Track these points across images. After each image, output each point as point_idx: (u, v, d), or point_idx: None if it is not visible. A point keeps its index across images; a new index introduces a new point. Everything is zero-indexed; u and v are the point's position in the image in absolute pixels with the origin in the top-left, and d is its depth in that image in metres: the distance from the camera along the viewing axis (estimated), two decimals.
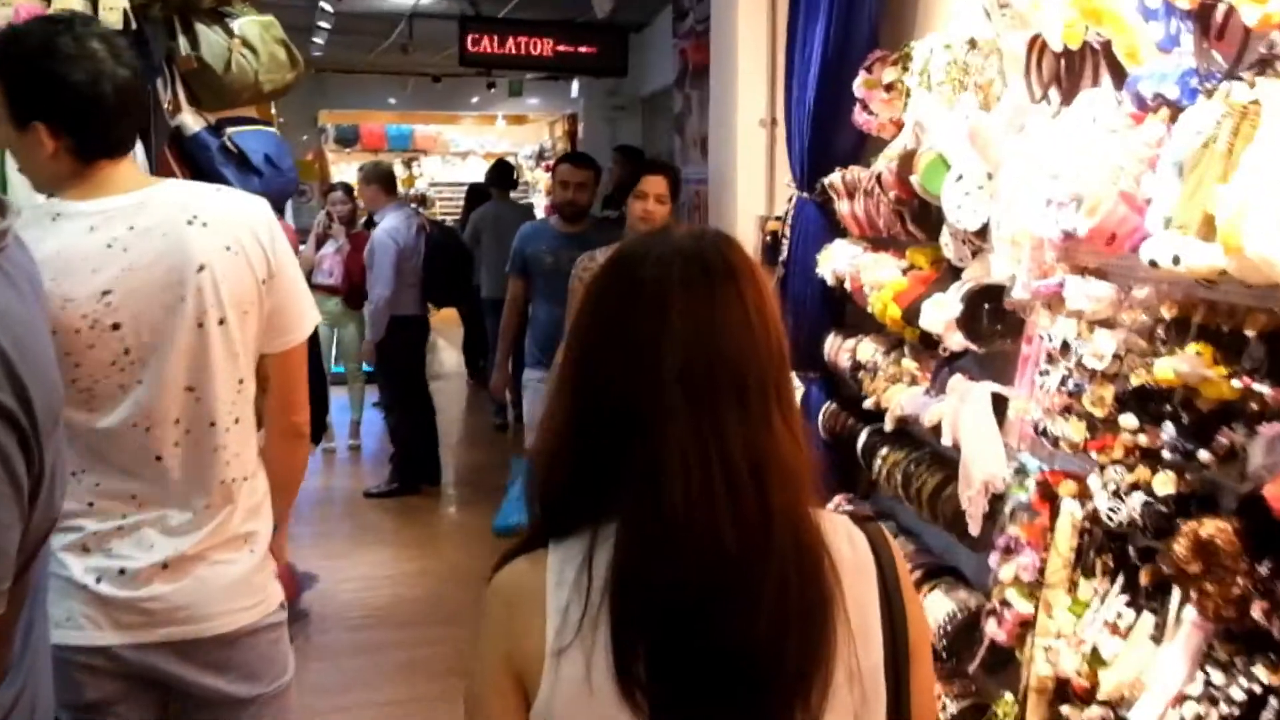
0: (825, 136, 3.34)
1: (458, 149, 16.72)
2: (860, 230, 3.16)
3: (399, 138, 15.95)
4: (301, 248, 7.62)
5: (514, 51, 7.77)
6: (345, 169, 13.62)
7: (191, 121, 2.48)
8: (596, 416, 1.02)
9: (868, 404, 2.90)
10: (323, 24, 8.38)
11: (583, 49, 8.06)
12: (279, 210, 2.98)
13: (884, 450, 2.96)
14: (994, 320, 2.37)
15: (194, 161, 2.48)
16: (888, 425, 2.76)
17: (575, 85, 11.67)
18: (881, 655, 1.02)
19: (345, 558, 5.66)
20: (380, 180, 6.24)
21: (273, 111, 12.84)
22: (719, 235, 1.08)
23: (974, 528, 2.40)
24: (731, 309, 1.00)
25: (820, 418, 3.37)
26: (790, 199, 3.61)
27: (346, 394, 7.31)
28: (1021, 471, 2.33)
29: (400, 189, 15.99)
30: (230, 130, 2.53)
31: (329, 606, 5.07)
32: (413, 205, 7.59)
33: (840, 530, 1.06)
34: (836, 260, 3.22)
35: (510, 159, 16.94)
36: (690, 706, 0.96)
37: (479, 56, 7.74)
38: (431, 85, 13.43)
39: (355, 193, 6.38)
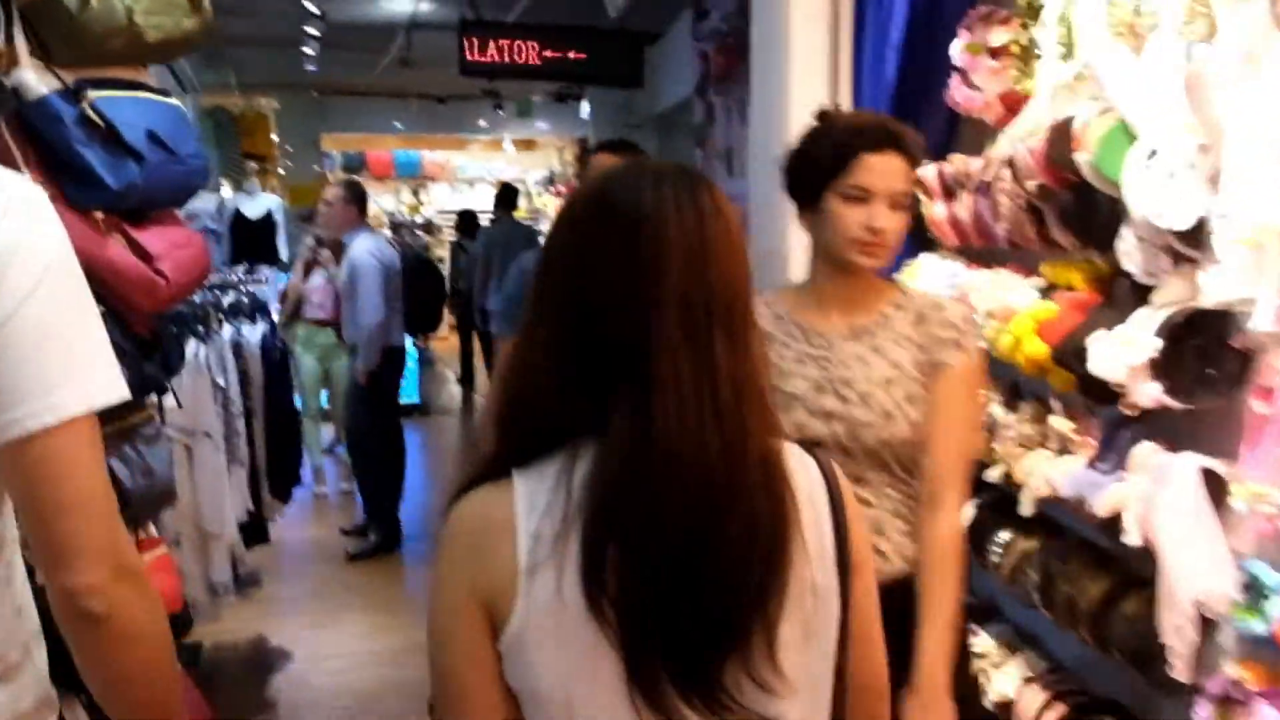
0: (910, 122, 2.58)
1: (465, 175, 16.07)
2: (962, 239, 2.41)
3: (407, 164, 15.31)
4: (286, 277, 6.95)
5: (519, 59, 7.05)
6: None
7: (34, 81, 1.71)
8: (584, 341, 1.02)
9: (992, 475, 2.12)
10: (311, 30, 7.68)
11: (594, 57, 7.34)
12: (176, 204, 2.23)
13: (1005, 535, 2.19)
14: (1205, 363, 1.60)
15: (40, 137, 1.72)
16: (1025, 508, 1.98)
17: (586, 106, 10.99)
18: (835, 574, 1.08)
19: (327, 628, 4.88)
20: (360, 200, 5.54)
21: (273, 137, 12.37)
22: (694, 169, 1.11)
23: (1181, 670, 1.62)
24: (720, 239, 1.03)
25: None
26: None
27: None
28: (1255, 588, 1.56)
29: (409, 216, 15.58)
30: (94, 95, 1.74)
31: (303, 694, 4.29)
32: (383, 230, 7.01)
33: (796, 458, 1.10)
34: (927, 279, 2.46)
35: (519, 184, 16.63)
36: (655, 616, 0.99)
37: (481, 65, 7.02)
38: (436, 107, 12.80)
39: (323, 213, 5.64)
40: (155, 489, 2.03)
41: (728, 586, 0.99)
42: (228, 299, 4.49)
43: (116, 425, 1.92)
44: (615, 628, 0.98)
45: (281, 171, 11.78)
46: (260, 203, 8.59)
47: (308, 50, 8.20)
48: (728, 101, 6.14)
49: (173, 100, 2.03)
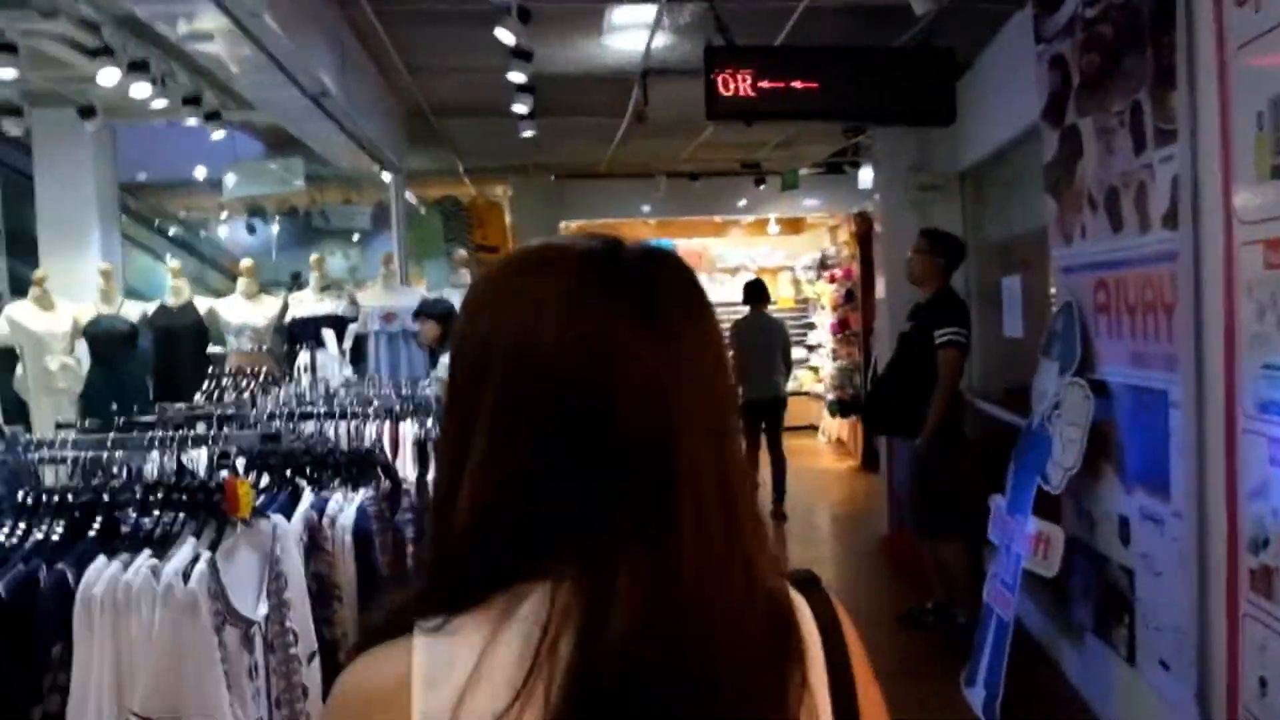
0: None
1: (725, 264, 14.36)
2: None
3: None
4: None
5: (786, 94, 5.18)
6: None
7: None
8: (565, 466, 0.78)
9: None
10: (519, 107, 6.15)
11: (888, 85, 5.36)
12: None
13: None
14: None
15: None
16: None
17: (866, 172, 8.96)
18: None
19: None
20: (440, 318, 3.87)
21: (507, 221, 11.09)
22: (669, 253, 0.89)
23: None
24: (714, 344, 0.86)
25: None
26: None
27: None
28: None
29: None
30: None
31: None
32: None
33: (796, 600, 0.89)
34: None
35: (787, 272, 14.80)
36: None
37: (736, 104, 5.20)
38: (688, 186, 11.18)
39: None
40: None
41: None
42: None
43: None
44: None
45: None
46: None
47: (525, 121, 6.69)
48: (1104, 120, 3.99)
49: None
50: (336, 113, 5.60)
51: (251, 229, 10.78)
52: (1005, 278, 6.06)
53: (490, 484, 0.79)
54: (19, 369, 6.39)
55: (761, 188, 11.18)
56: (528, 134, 7.04)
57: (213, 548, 2.08)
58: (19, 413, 6.18)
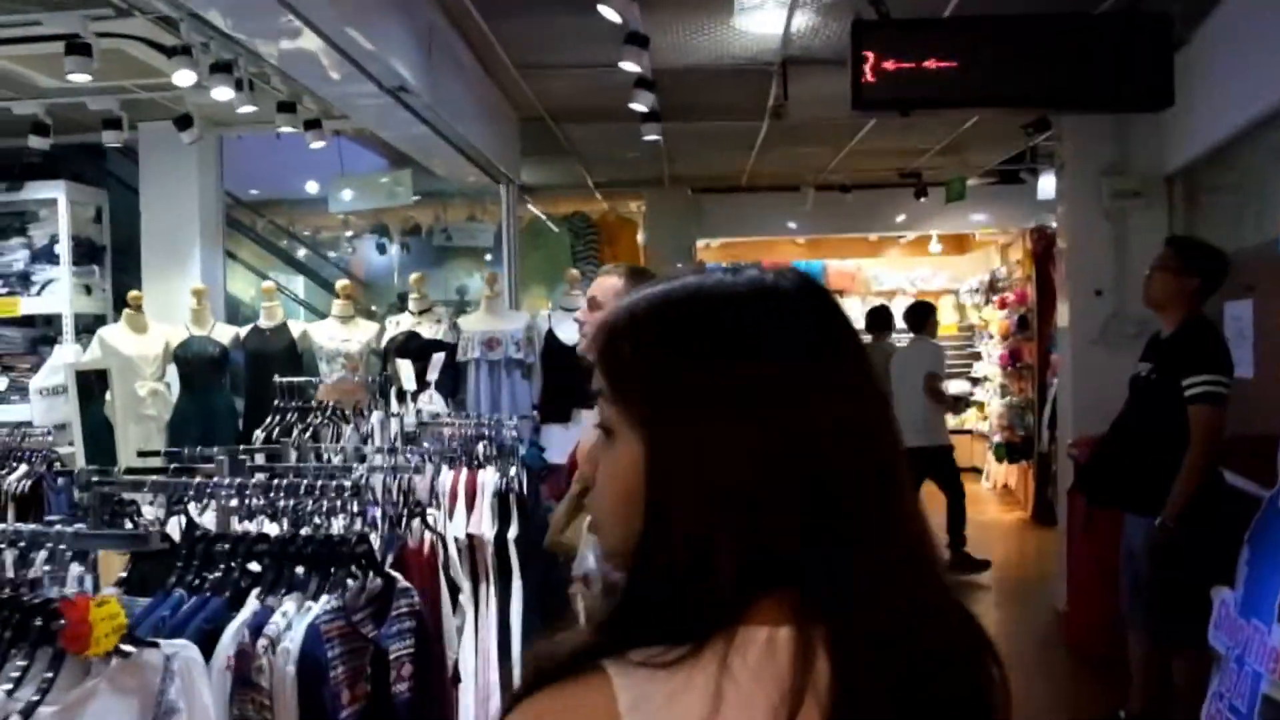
0: None
1: (881, 286, 13.25)
2: None
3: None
4: None
5: (952, 78, 4.21)
6: None
7: None
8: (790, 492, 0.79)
9: None
10: (638, 105, 5.37)
11: (1082, 64, 4.33)
12: None
13: None
14: None
15: None
16: None
17: (1048, 181, 7.78)
18: None
19: None
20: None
21: (639, 240, 10.36)
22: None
23: None
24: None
25: None
26: None
27: None
28: None
29: None
30: None
31: None
32: None
33: None
34: None
35: (949, 296, 13.58)
36: None
37: (888, 90, 4.26)
38: (840, 200, 10.19)
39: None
40: None
41: None
42: None
43: None
44: None
45: None
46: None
47: (648, 124, 5.92)
48: None
49: None
50: (423, 111, 4.93)
51: (381, 249, 10.39)
52: (1230, 303, 4.89)
53: (707, 518, 0.77)
54: (108, 394, 5.98)
55: (923, 200, 10.06)
56: (651, 137, 6.25)
57: (40, 697, 1.33)
58: (107, 439, 5.76)
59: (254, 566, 1.87)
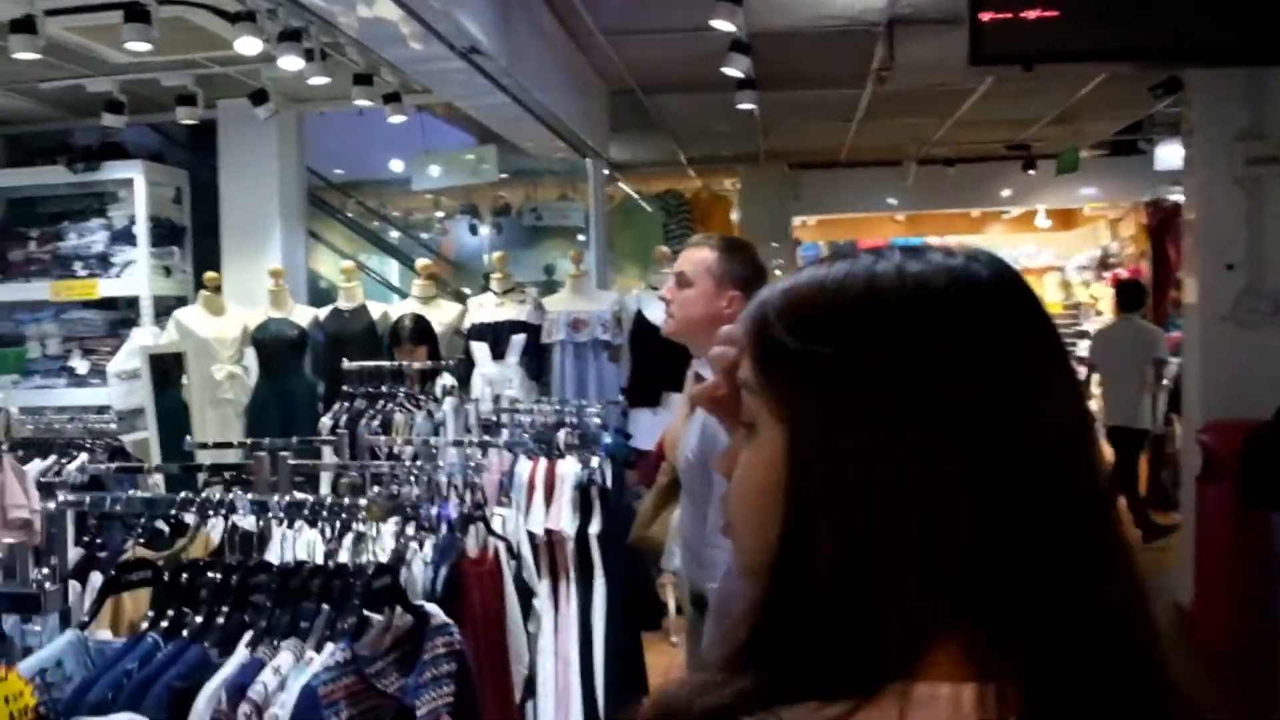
0: None
1: None
2: None
3: None
4: None
5: (1085, 18, 3.76)
6: None
7: None
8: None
9: None
10: (732, 70, 5.00)
11: (1237, 11, 3.84)
12: None
13: None
14: None
15: None
16: None
17: (1171, 149, 7.19)
18: None
19: None
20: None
21: (733, 218, 10.00)
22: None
23: None
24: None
25: None
26: None
27: None
28: None
29: None
30: None
31: None
32: None
33: None
34: None
35: (1054, 274, 12.95)
36: None
37: (1008, 40, 3.82)
38: (943, 174, 9.70)
39: None
40: None
41: None
42: None
43: None
44: None
45: None
46: None
47: (743, 91, 5.56)
48: None
49: None
50: (500, 77, 4.64)
51: (473, 230, 10.23)
52: None
53: (866, 531, 0.65)
54: (184, 379, 5.86)
55: (1031, 173, 9.52)
56: (746, 106, 5.88)
57: None
58: (183, 425, 5.63)
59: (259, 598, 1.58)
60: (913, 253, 0.72)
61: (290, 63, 4.69)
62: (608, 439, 4.05)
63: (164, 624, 1.57)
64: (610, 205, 9.75)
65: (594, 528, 3.58)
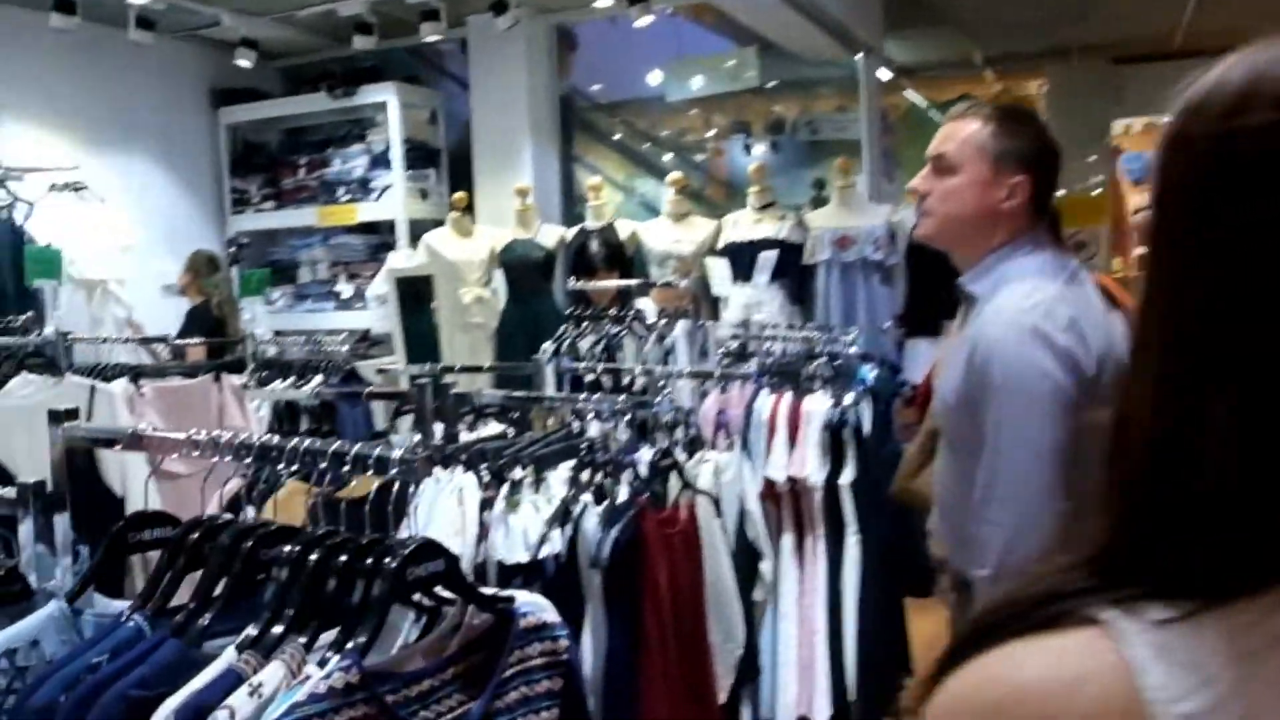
0: None
1: None
2: None
3: None
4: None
5: None
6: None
7: None
8: None
9: None
10: None
11: None
12: None
13: None
14: None
15: None
16: None
17: None
18: None
19: None
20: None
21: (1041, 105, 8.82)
22: None
23: None
24: None
25: None
26: None
27: None
28: None
29: None
30: None
31: None
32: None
33: None
34: None
35: None
36: None
37: None
38: None
39: None
40: None
41: None
42: None
43: None
44: None
45: None
46: None
47: None
48: None
49: None
50: None
51: (748, 148, 9.75)
52: None
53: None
54: (434, 302, 5.70)
55: None
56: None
57: None
58: (432, 349, 5.49)
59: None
60: None
61: None
62: (868, 372, 3.39)
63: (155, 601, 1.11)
64: (895, 115, 8.87)
65: (846, 476, 2.97)
